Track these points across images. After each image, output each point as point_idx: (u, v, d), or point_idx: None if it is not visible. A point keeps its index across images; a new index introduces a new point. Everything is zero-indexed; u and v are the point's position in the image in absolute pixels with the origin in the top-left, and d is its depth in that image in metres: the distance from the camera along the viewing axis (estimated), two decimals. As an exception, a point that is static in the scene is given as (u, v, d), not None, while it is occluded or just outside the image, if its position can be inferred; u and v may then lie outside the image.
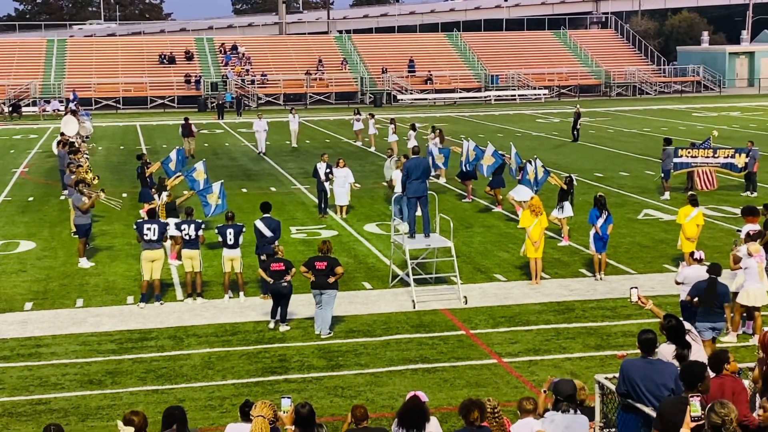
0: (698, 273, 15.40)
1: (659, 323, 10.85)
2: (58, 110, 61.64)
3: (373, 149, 42.77)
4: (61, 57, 75.37)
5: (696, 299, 14.71)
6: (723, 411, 7.44)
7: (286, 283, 16.99)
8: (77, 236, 23.14)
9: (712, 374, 9.22)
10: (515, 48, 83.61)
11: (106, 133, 52.98)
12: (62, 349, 16.35)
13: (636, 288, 12.28)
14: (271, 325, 17.16)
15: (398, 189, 23.41)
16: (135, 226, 19.42)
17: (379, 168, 33.10)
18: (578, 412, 9.35)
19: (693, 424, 7.83)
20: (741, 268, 16.20)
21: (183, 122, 42.07)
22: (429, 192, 20.10)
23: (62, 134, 36.82)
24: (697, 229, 20.31)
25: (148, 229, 18.88)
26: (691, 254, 15.84)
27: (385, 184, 28.60)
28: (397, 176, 24.92)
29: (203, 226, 19.46)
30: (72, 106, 55.59)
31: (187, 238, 19.16)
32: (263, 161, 40.20)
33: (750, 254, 16.22)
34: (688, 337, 10.75)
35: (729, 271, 16.79)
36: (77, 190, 23.06)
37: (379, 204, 29.26)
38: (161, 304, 18.92)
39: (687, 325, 11.09)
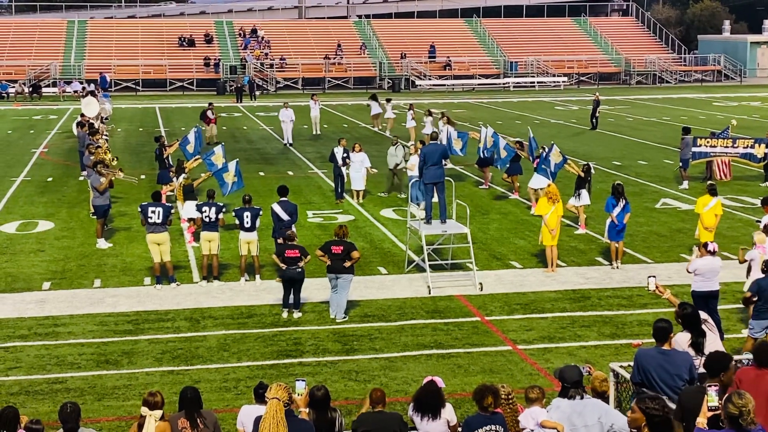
0: (711, 264, 15.35)
1: (675, 312, 10.82)
2: (78, 91, 61.81)
3: (388, 133, 42.72)
4: (82, 38, 75.53)
5: (755, 296, 14.22)
6: (740, 402, 7.40)
7: (299, 269, 17.01)
8: (95, 217, 23.26)
9: (750, 367, 9.22)
10: (535, 34, 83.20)
11: (125, 115, 53.14)
12: (79, 329, 16.47)
13: (654, 277, 12.27)
14: (284, 315, 17.15)
15: (415, 174, 23.38)
16: (139, 209, 19.36)
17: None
18: (584, 397, 9.29)
19: (710, 414, 7.81)
20: (747, 261, 16.16)
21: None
22: (446, 178, 20.10)
23: (82, 115, 36.96)
24: (715, 218, 20.24)
25: (153, 212, 18.85)
26: (705, 245, 15.73)
27: (389, 170, 28.41)
28: (414, 161, 24.89)
29: (224, 209, 19.48)
30: (90, 87, 55.74)
31: (207, 220, 19.19)
32: (280, 144, 40.23)
33: (754, 244, 16.21)
34: (704, 327, 10.73)
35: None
36: (96, 171, 23.17)
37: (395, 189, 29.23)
38: (177, 285, 19.00)
39: (703, 315, 11.06)
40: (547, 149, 25.67)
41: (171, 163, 26.88)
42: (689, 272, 15.68)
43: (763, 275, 14.42)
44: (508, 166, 28.01)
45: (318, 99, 45.05)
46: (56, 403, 12.40)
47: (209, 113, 40.67)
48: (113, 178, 23.43)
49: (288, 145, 39.75)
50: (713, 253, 15.51)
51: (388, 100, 45.05)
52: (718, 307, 15.93)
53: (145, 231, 19.19)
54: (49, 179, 31.83)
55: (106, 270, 20.36)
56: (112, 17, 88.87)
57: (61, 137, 43.22)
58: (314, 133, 43.34)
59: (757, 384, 8.94)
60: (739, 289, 17.53)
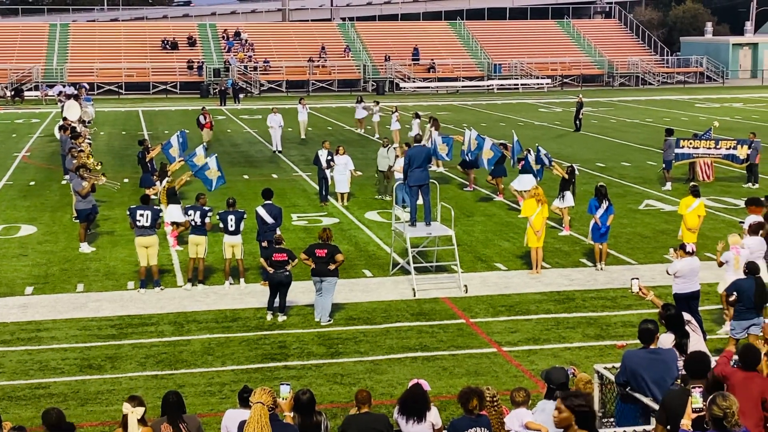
0: (691, 265, 15.38)
1: (658, 313, 10.84)
2: (59, 94, 61.51)
3: (376, 136, 42.70)
4: (64, 41, 75.22)
5: (731, 296, 14.30)
6: (725, 404, 7.41)
7: (286, 273, 16.97)
8: (78, 221, 23.15)
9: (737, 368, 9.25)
10: (518, 37, 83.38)
11: (108, 119, 52.94)
12: (62, 334, 16.38)
13: (637, 279, 12.28)
14: (269, 318, 17.11)
15: (400, 177, 23.38)
16: (128, 212, 19.34)
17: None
18: None
19: (694, 416, 7.82)
20: (723, 263, 16.22)
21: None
22: (431, 180, 20.09)
23: (64, 119, 36.79)
24: (698, 219, 20.31)
25: (141, 215, 18.81)
26: (683, 246, 15.73)
27: (380, 172, 28.37)
28: (399, 164, 24.88)
29: (210, 213, 19.40)
30: (69, 90, 55.43)
31: (193, 224, 19.12)
32: (264, 147, 40.13)
33: (729, 246, 16.28)
34: (687, 327, 10.76)
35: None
36: (78, 175, 23.06)
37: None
38: (161, 289, 18.93)
39: (686, 316, 11.10)
40: (533, 152, 25.72)
41: (155, 166, 26.77)
42: (669, 275, 15.70)
43: (744, 276, 14.48)
44: (492, 167, 28.04)
45: (306, 103, 44.28)
46: (39, 409, 12.31)
47: (202, 118, 39.98)
48: (96, 183, 23.31)
49: (277, 152, 38.45)
50: (692, 254, 15.53)
51: (377, 103, 45.02)
52: (699, 308, 15.98)
53: (134, 234, 19.12)
54: (32, 183, 31.66)
55: (89, 274, 20.26)
56: (94, 20, 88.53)
57: (43, 141, 43.01)
58: (302, 137, 42.83)
59: (747, 387, 8.95)
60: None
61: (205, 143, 36.19)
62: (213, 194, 25.01)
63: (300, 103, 43.84)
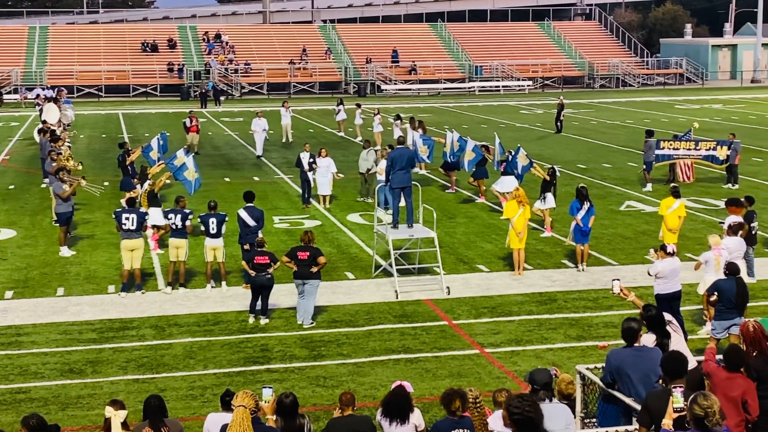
0: (672, 266, 15.44)
1: (639, 314, 10.86)
2: (38, 97, 61.15)
3: (359, 139, 42.68)
4: (43, 44, 74.85)
5: (712, 296, 14.35)
6: (706, 403, 7.43)
7: (268, 276, 16.93)
8: (58, 224, 23.01)
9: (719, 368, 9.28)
10: (499, 39, 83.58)
11: (88, 121, 52.69)
12: (43, 338, 16.27)
13: (618, 280, 12.30)
14: (251, 320, 17.07)
15: (382, 179, 23.37)
16: (114, 215, 19.35)
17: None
18: (554, 400, 9.36)
19: (675, 415, 7.83)
20: (702, 263, 16.28)
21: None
22: (413, 182, 20.09)
23: (44, 122, 36.60)
24: (679, 220, 20.40)
25: (127, 218, 18.77)
26: (663, 247, 15.77)
27: (361, 174, 28.36)
28: (382, 166, 24.87)
29: (190, 216, 19.34)
30: (47, 92, 55.11)
31: (174, 227, 19.06)
32: (245, 150, 40.03)
33: (709, 246, 16.36)
34: (668, 328, 10.79)
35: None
36: (58, 178, 22.93)
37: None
38: (142, 293, 18.84)
39: (667, 316, 11.13)
40: (513, 152, 25.77)
41: (135, 170, 26.66)
42: (651, 275, 15.74)
43: (724, 277, 14.54)
44: (474, 169, 28.09)
45: (289, 106, 43.69)
46: (20, 414, 12.23)
47: (188, 121, 38.69)
48: (78, 186, 23.19)
49: (259, 157, 37.62)
50: (673, 255, 15.58)
51: (358, 105, 44.96)
52: (681, 308, 16.04)
53: (120, 237, 19.03)
54: (11, 187, 31.47)
55: (70, 278, 20.15)
56: (73, 23, 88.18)
57: (22, 144, 42.76)
58: (284, 140, 42.18)
59: (730, 387, 8.96)
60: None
61: (186, 146, 35.92)
62: (194, 197, 24.97)
63: (283, 106, 43.14)
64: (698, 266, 16.37)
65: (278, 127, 43.29)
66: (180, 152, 25.35)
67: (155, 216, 21.52)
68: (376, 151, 28.52)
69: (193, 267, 20.38)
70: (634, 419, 9.37)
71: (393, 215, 19.97)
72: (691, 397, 7.58)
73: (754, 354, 9.79)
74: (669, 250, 15.57)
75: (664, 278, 15.43)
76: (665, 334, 10.62)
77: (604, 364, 10.02)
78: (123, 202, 23.24)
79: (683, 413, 7.74)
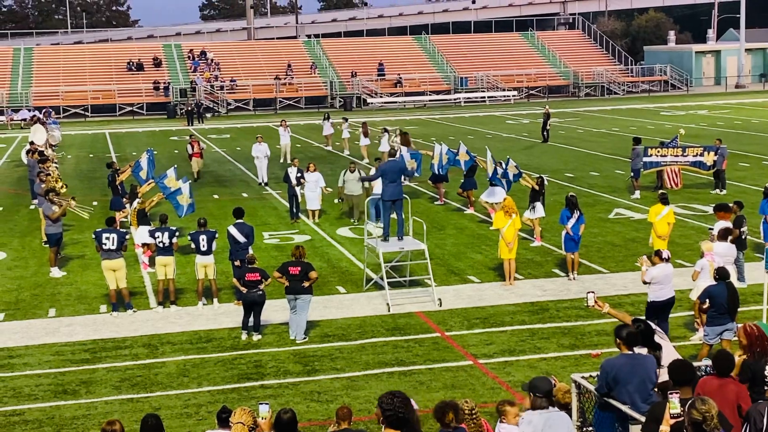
0: (666, 271, 15.48)
1: (615, 327, 10.57)
2: (25, 120, 61.04)
3: (346, 153, 42.72)
4: (28, 65, 74.79)
5: (704, 304, 14.37)
6: (704, 407, 7.43)
7: (260, 292, 16.92)
8: (48, 245, 22.95)
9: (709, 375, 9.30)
10: (483, 50, 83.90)
11: (75, 141, 52.62)
12: (35, 360, 16.22)
13: (593, 292, 12.18)
14: (244, 337, 17.04)
15: (377, 191, 23.27)
16: (93, 236, 19.19)
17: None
18: (555, 408, 9.37)
19: (672, 421, 7.84)
20: (698, 271, 16.31)
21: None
22: (402, 195, 20.10)
23: (31, 143, 36.53)
24: (668, 227, 20.48)
25: (107, 238, 18.65)
26: (658, 253, 15.82)
27: (347, 196, 27.58)
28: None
29: (177, 233, 19.35)
30: (37, 114, 55.05)
31: (160, 245, 19.04)
32: (233, 166, 40.01)
33: (702, 254, 16.40)
34: (656, 338, 10.79)
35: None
36: (47, 199, 22.89)
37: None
38: (134, 311, 18.80)
39: (653, 326, 11.13)
40: (504, 163, 25.82)
41: (125, 189, 26.63)
42: (646, 282, 15.76)
43: (715, 283, 14.58)
44: (463, 180, 28.16)
45: (288, 125, 41.72)
46: (14, 437, 12.19)
47: (189, 147, 36.46)
48: (67, 208, 23.14)
49: (263, 184, 34.78)
50: (667, 260, 15.64)
51: (345, 120, 44.94)
52: (673, 315, 16.08)
53: (100, 258, 18.97)
54: (0, 209, 31.37)
55: (61, 299, 20.09)
56: (58, 44, 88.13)
57: (10, 166, 42.66)
58: (282, 161, 39.85)
59: (722, 393, 8.94)
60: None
61: (194, 174, 35.30)
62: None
63: (282, 125, 41.44)
64: (696, 275, 16.36)
65: (276, 147, 41.28)
66: (170, 171, 25.36)
67: (145, 235, 21.50)
68: (360, 172, 27.63)
69: (183, 284, 20.35)
70: (630, 427, 9.38)
71: (384, 228, 20.00)
72: (689, 401, 7.59)
73: (757, 351, 9.80)
74: (664, 255, 15.61)
75: (658, 284, 15.42)
76: (656, 347, 10.60)
77: (598, 373, 10.02)
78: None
79: (680, 419, 7.75)
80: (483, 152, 29.07)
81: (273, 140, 42.40)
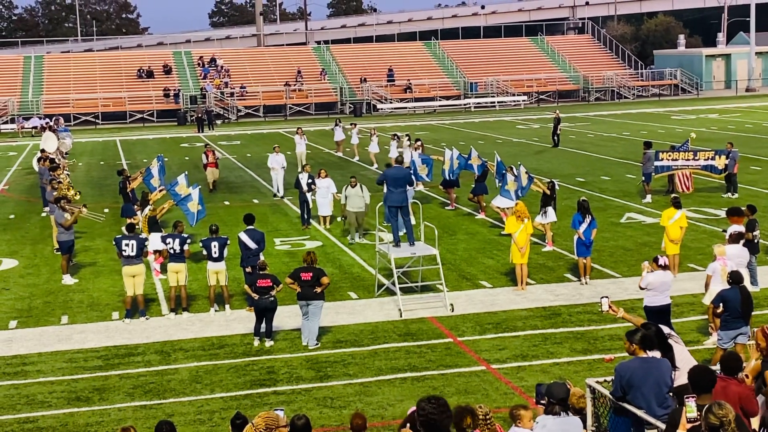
0: (663, 278, 15.39)
1: (626, 332, 10.55)
2: (36, 128, 61.22)
3: (356, 159, 42.74)
4: (39, 74, 75.04)
5: (718, 308, 14.34)
6: (721, 412, 7.39)
7: (271, 298, 16.93)
8: (60, 253, 23.00)
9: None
10: (493, 55, 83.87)
11: (85, 149, 52.77)
12: (48, 367, 16.25)
13: (606, 297, 12.19)
14: (256, 343, 17.05)
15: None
16: (114, 242, 19.44)
17: (362, 177, 33.10)
18: (569, 414, 9.34)
19: (689, 426, 7.80)
20: (710, 275, 16.24)
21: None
22: (413, 200, 20.11)
23: (42, 151, 36.64)
24: (680, 231, 20.42)
25: (126, 244, 18.82)
26: (656, 260, 15.75)
27: (351, 212, 27.02)
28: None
29: (189, 240, 19.38)
30: (47, 122, 55.18)
31: (172, 252, 19.08)
32: (243, 172, 40.05)
33: (714, 257, 16.34)
34: (669, 340, 10.75)
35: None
36: (59, 207, 22.96)
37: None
38: (146, 318, 18.83)
39: (666, 329, 11.08)
40: (515, 169, 25.77)
41: (136, 196, 26.69)
42: (642, 288, 15.70)
43: (728, 286, 14.53)
44: (474, 186, 28.15)
45: (303, 132, 40.76)
46: (28, 444, 12.21)
47: (204, 158, 35.42)
48: (79, 215, 23.21)
49: (279, 197, 33.31)
50: (664, 267, 15.55)
51: (354, 125, 44.91)
52: (685, 319, 16.01)
53: (121, 264, 19.05)
54: (11, 216, 31.47)
55: (73, 306, 20.13)
56: (68, 51, 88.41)
57: (21, 174, 42.81)
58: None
59: (726, 394, 8.94)
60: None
61: (209, 183, 34.62)
62: (195, 221, 24.92)
63: (297, 132, 40.44)
64: (708, 279, 16.30)
65: (293, 154, 40.99)
66: (181, 178, 25.38)
67: (156, 241, 21.55)
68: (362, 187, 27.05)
69: (195, 291, 20.37)
70: (646, 431, 9.35)
71: (393, 234, 19.99)
72: (706, 406, 7.55)
73: None
74: (661, 262, 15.50)
75: (653, 290, 15.38)
76: (668, 349, 10.56)
77: (612, 377, 9.99)
78: (124, 228, 23.24)
79: (697, 423, 7.72)
80: (493, 157, 29.06)
81: (285, 147, 42.24)
